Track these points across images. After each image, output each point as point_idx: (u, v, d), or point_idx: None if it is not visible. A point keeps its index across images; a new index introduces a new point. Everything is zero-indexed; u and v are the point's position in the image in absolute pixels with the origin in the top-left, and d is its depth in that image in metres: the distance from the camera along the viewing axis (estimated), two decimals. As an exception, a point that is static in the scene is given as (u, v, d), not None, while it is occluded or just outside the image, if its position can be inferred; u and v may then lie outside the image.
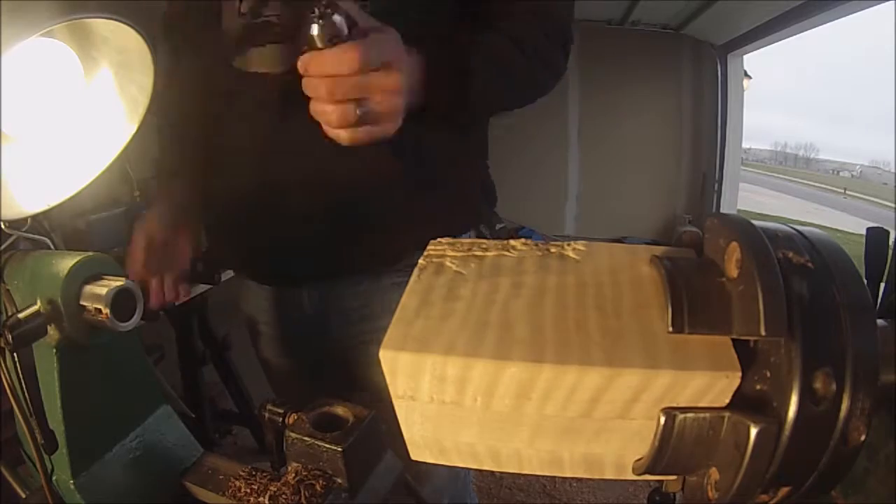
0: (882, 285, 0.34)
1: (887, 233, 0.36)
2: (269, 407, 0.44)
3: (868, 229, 0.37)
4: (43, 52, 0.37)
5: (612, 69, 4.57)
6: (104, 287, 0.32)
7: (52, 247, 0.41)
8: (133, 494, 0.42)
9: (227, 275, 0.93)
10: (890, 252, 0.35)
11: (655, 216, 4.68)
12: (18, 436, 0.45)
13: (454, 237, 0.27)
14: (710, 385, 0.19)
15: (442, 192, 0.61)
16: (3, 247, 0.39)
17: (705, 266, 0.21)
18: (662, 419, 0.19)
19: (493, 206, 0.73)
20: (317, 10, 0.36)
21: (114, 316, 0.34)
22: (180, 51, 0.63)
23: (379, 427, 0.43)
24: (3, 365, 0.37)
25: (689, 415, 0.19)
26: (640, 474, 0.21)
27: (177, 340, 1.39)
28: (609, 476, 0.22)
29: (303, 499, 0.40)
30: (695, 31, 4.35)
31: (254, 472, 0.43)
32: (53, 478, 0.40)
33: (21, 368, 0.35)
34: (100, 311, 0.31)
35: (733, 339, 0.20)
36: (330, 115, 0.39)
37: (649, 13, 4.18)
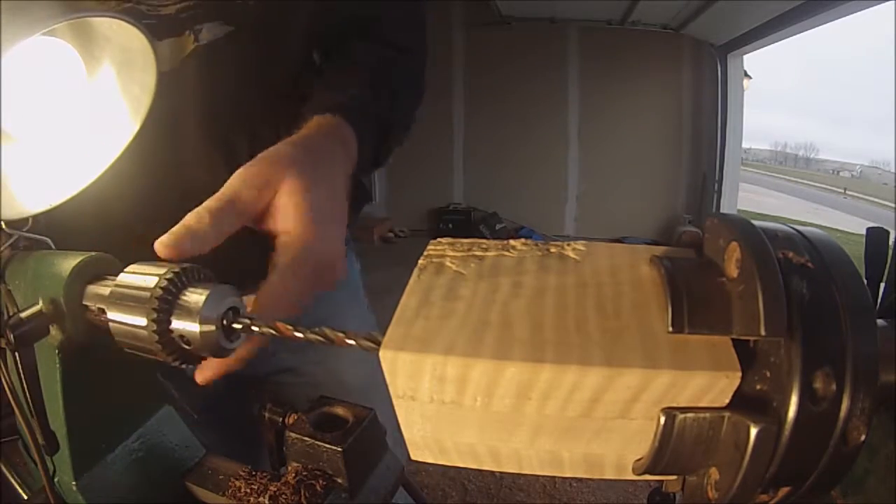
0: (882, 285, 0.34)
1: (887, 233, 0.36)
2: (269, 407, 0.44)
3: (868, 229, 0.37)
4: (45, 51, 0.37)
5: (611, 69, 4.57)
6: (108, 287, 0.32)
7: (52, 246, 0.41)
8: (135, 495, 0.42)
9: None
10: (890, 252, 0.35)
11: (655, 216, 4.68)
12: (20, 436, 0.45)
13: None
14: (710, 385, 0.19)
15: None
16: (3, 247, 0.39)
17: (705, 266, 0.21)
18: (662, 419, 0.19)
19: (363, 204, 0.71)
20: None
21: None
22: None
23: (379, 427, 0.43)
24: (3, 365, 0.37)
25: (689, 415, 0.19)
26: (640, 474, 0.21)
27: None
28: (609, 476, 0.22)
29: (303, 499, 0.40)
30: (695, 31, 4.36)
31: (254, 472, 0.43)
32: (55, 479, 0.40)
33: (23, 369, 0.35)
34: (103, 311, 0.31)
35: (733, 339, 0.20)
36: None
37: (649, 13, 4.18)
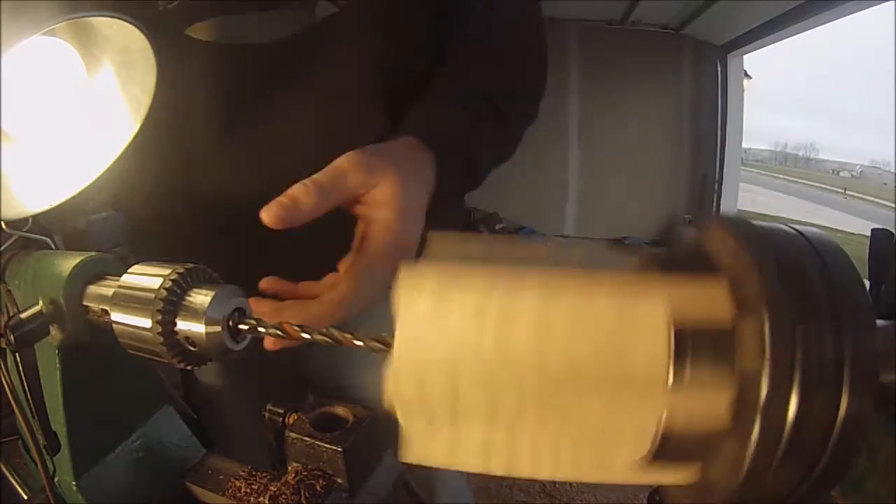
0: (883, 286, 0.34)
1: (892, 234, 0.36)
2: (269, 407, 0.44)
3: (873, 231, 0.37)
4: (45, 51, 0.37)
5: (612, 69, 4.57)
6: (110, 288, 0.32)
7: (52, 247, 0.41)
8: (135, 495, 0.42)
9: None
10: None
11: (655, 216, 4.68)
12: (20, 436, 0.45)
13: None
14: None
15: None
16: (3, 247, 0.39)
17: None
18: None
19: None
20: None
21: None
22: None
23: (379, 427, 0.43)
24: (3, 366, 0.37)
25: (690, 415, 0.19)
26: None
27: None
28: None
29: (303, 499, 0.40)
30: (695, 31, 4.36)
31: (254, 472, 0.43)
32: (55, 479, 0.40)
33: (23, 369, 0.35)
34: (106, 311, 0.31)
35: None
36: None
37: (649, 13, 4.18)
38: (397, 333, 0.20)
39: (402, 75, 0.52)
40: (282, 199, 0.32)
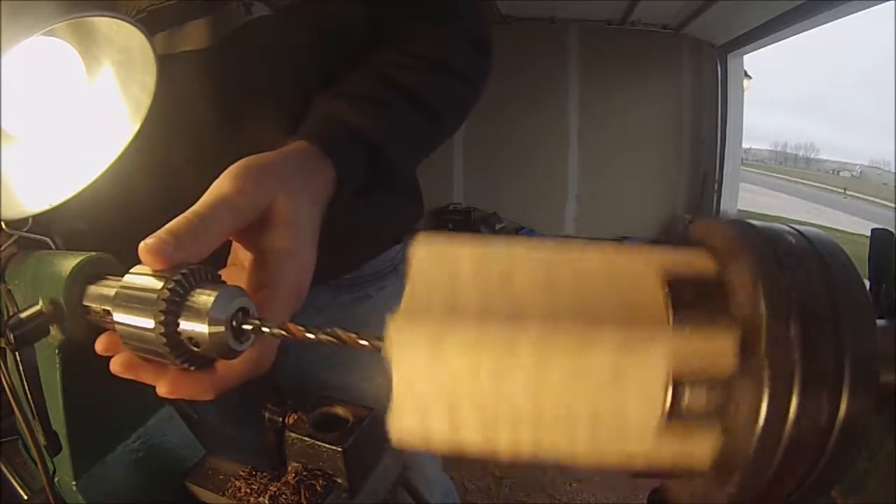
0: (883, 286, 0.34)
1: (891, 234, 0.36)
2: (269, 407, 0.44)
3: (873, 231, 0.37)
4: (45, 51, 0.37)
5: (611, 69, 4.57)
6: (112, 288, 0.32)
7: (52, 247, 0.41)
8: (135, 495, 0.42)
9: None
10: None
11: (655, 216, 4.69)
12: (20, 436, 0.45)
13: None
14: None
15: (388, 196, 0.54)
16: (3, 247, 0.39)
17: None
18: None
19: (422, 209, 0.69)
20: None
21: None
22: None
23: (379, 427, 0.43)
24: (3, 366, 0.37)
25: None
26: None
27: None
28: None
29: (303, 499, 0.40)
30: (695, 31, 4.37)
31: (254, 472, 0.43)
32: (55, 479, 0.40)
33: (23, 369, 0.35)
34: (108, 311, 0.31)
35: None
36: None
37: (649, 13, 4.19)
38: (395, 383, 0.20)
39: (336, 74, 0.49)
40: (161, 233, 0.27)
